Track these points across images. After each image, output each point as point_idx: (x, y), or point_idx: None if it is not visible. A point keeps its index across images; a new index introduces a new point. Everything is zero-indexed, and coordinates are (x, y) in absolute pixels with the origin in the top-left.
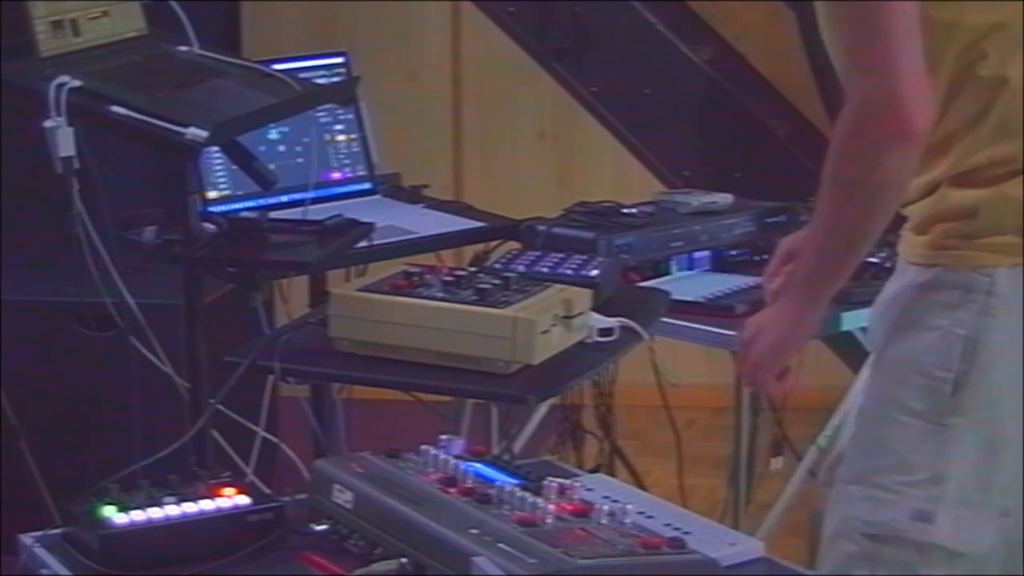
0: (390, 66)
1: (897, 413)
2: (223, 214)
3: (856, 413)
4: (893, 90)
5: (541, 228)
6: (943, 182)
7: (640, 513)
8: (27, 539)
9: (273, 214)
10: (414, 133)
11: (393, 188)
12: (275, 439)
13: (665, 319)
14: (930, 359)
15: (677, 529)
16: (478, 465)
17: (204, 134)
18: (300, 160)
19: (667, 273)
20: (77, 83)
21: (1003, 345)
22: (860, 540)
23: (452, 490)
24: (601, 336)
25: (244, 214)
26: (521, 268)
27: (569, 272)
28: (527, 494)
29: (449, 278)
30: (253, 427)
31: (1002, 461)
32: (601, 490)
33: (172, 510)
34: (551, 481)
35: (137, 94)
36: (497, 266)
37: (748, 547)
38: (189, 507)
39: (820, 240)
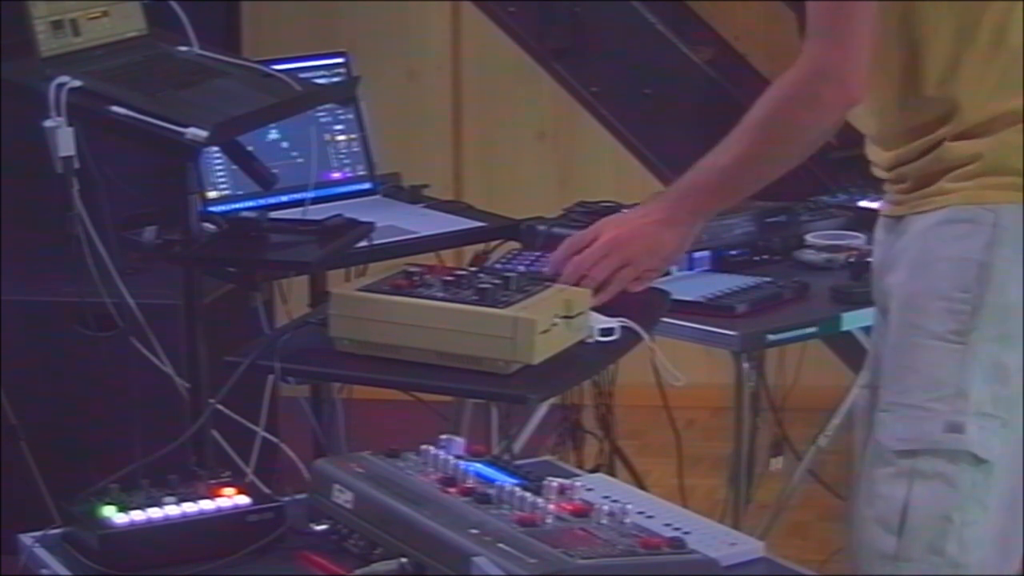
0: (390, 66)
1: (921, 338)
2: (223, 214)
3: (874, 359)
4: (844, 61)
5: (541, 228)
6: (945, 139)
7: (640, 513)
8: (27, 539)
9: (273, 214)
10: (414, 133)
11: (393, 188)
12: (275, 439)
13: (665, 319)
14: (947, 284)
15: (677, 529)
16: (478, 465)
17: (204, 134)
18: (300, 160)
19: (667, 273)
20: (77, 83)
21: (1011, 271)
22: (895, 460)
23: (452, 490)
24: (602, 336)
25: (244, 214)
26: (521, 268)
27: None
28: (527, 494)
29: (449, 278)
30: (253, 427)
31: (1008, 378)
32: (601, 490)
33: (172, 510)
34: (551, 481)
35: (137, 94)
36: (497, 266)
37: (748, 547)
38: (189, 507)
39: (728, 166)
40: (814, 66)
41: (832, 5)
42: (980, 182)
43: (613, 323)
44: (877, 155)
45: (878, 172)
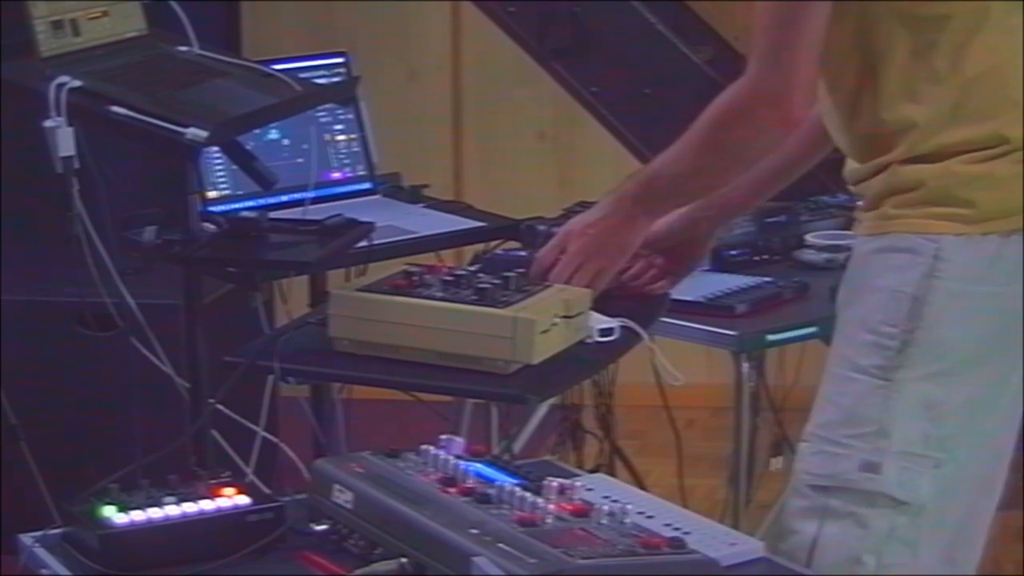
0: (390, 66)
1: (846, 370)
2: (223, 214)
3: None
4: (783, 87)
5: (541, 228)
6: (895, 162)
7: (640, 513)
8: (27, 539)
9: (273, 214)
10: (414, 133)
11: (393, 188)
12: (275, 439)
13: (665, 319)
14: (877, 316)
15: (677, 529)
16: (478, 465)
17: (204, 134)
18: (300, 160)
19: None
20: (77, 83)
21: (948, 306)
22: (809, 494)
23: (452, 490)
24: (601, 336)
25: (244, 214)
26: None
27: None
28: (527, 494)
29: (449, 278)
30: (253, 427)
31: (942, 417)
32: (601, 490)
33: (172, 510)
34: (551, 481)
35: (137, 94)
36: (499, 252)
37: (748, 547)
38: (189, 507)
39: (678, 175)
40: (752, 87)
41: (776, 26)
42: (924, 211)
43: (613, 323)
44: (847, 164)
45: (848, 186)
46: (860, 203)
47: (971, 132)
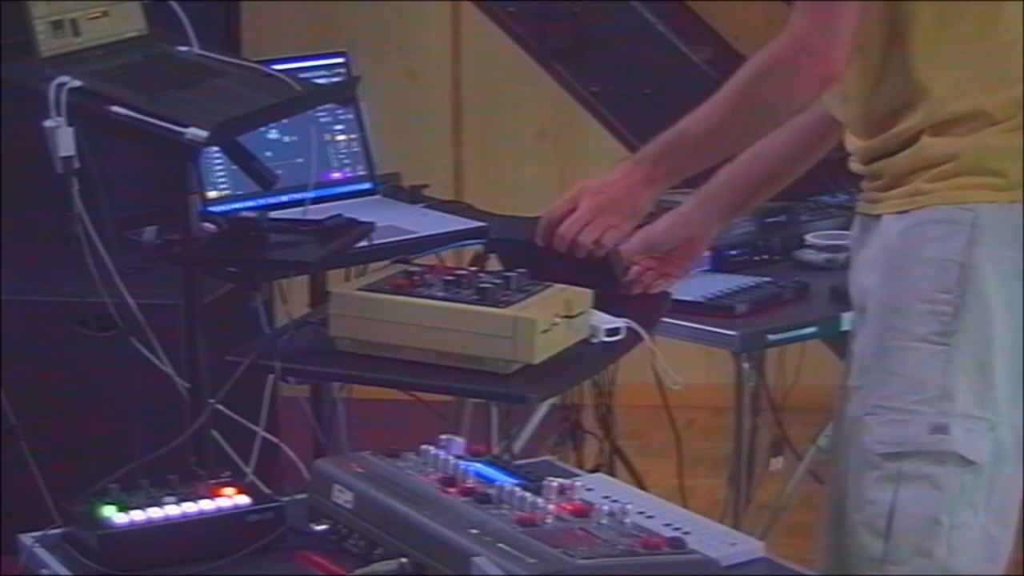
0: (390, 66)
1: (904, 341)
2: (223, 214)
3: (856, 360)
4: (828, 35)
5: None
6: (924, 131)
7: (640, 513)
8: (27, 539)
9: (273, 214)
10: (414, 133)
11: (393, 188)
12: (275, 439)
13: (665, 319)
14: (929, 286)
15: (677, 529)
16: (478, 465)
17: (204, 134)
18: (300, 160)
19: None
20: (77, 83)
21: (990, 271)
22: (881, 463)
23: (452, 490)
24: (608, 336)
25: (244, 214)
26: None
27: None
28: (527, 494)
29: (449, 277)
30: (253, 427)
31: (993, 379)
32: (601, 490)
33: (172, 510)
34: (551, 481)
35: (137, 94)
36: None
37: (748, 547)
38: (189, 507)
39: (704, 133)
40: (798, 37)
41: None
42: (957, 182)
43: (619, 323)
44: (853, 144)
45: (855, 166)
46: (871, 183)
47: (996, 98)
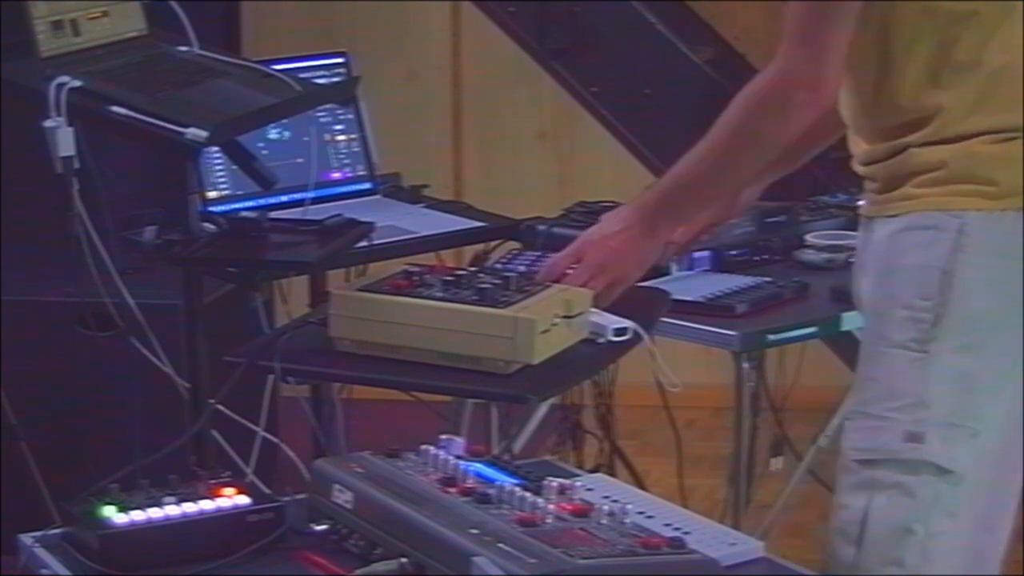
0: (390, 66)
1: (883, 347)
2: (223, 214)
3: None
4: (819, 67)
5: (541, 228)
6: (911, 145)
7: (640, 513)
8: (27, 539)
9: (273, 214)
10: (414, 133)
11: (393, 188)
12: (275, 439)
13: (665, 319)
14: (910, 292)
15: (677, 529)
16: (478, 465)
17: (204, 134)
18: (300, 160)
19: (667, 273)
20: (77, 83)
21: (976, 279)
22: (856, 469)
23: (452, 490)
24: (615, 336)
25: (244, 214)
26: (521, 268)
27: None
28: (527, 494)
29: (449, 278)
30: (253, 427)
31: (975, 387)
32: (601, 490)
33: (172, 510)
34: (551, 481)
35: (137, 94)
36: (497, 266)
37: (748, 547)
38: (189, 507)
39: (703, 176)
40: (787, 69)
41: (811, 10)
42: (945, 189)
43: (627, 323)
44: (856, 146)
45: (856, 167)
46: (869, 184)
47: (993, 121)
